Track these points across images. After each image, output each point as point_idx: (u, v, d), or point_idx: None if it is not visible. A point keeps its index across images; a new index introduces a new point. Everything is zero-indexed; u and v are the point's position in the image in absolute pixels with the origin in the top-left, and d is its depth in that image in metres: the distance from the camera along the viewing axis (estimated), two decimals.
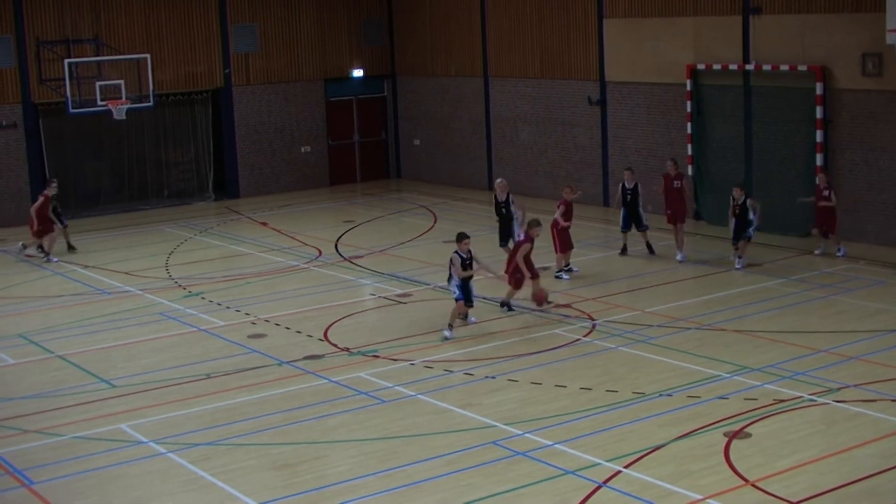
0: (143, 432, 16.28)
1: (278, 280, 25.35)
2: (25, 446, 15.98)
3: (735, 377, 17.58)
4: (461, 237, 20.58)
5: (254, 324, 21.84)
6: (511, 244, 23.96)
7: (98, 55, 33.34)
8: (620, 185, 25.97)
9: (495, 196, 25.16)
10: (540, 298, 21.39)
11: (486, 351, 19.52)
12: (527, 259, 21.30)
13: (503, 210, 24.87)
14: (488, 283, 22.69)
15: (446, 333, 20.22)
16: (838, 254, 25.01)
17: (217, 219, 33.60)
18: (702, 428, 15.56)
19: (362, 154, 39.54)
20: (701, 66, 29.26)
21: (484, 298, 22.66)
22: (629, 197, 25.61)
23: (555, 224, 24.12)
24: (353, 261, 26.89)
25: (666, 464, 14.42)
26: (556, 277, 24.03)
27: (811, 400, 16.52)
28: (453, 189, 36.38)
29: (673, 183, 25.65)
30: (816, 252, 25.22)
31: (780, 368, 17.91)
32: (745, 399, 16.58)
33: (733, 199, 24.29)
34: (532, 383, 17.73)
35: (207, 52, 36.04)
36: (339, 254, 27.72)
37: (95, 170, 35.22)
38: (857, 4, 26.02)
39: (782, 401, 16.47)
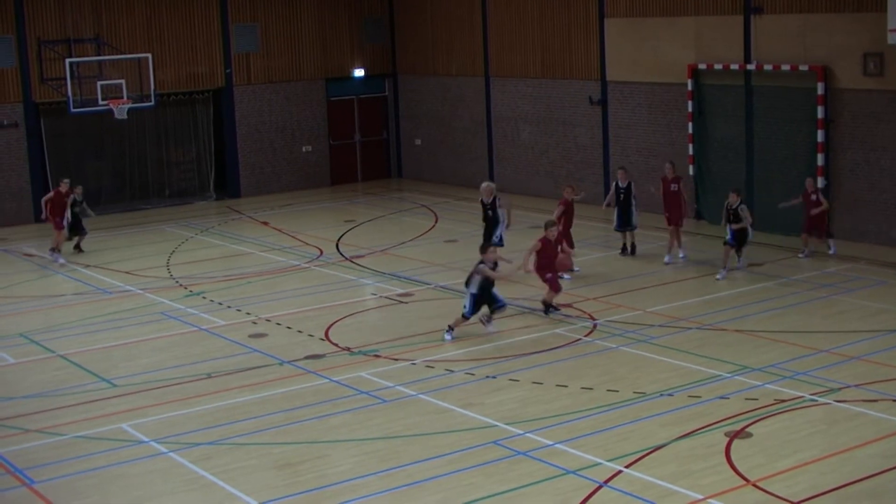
0: (144, 432, 16.28)
1: (279, 279, 25.36)
2: (26, 445, 15.98)
3: (736, 377, 17.58)
4: (485, 247, 20.62)
5: (255, 323, 21.84)
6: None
7: (99, 55, 33.35)
8: (614, 184, 25.97)
9: (482, 200, 24.75)
10: (564, 266, 21.69)
11: (487, 350, 19.52)
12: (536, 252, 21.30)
13: (489, 213, 24.56)
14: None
15: (447, 336, 20.17)
16: (829, 251, 25.09)
17: (218, 218, 33.60)
18: (703, 428, 15.56)
19: (363, 153, 39.54)
20: (702, 66, 29.26)
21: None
22: (622, 196, 25.59)
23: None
24: (355, 260, 26.89)
25: (667, 463, 14.42)
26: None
27: (812, 400, 16.52)
28: (454, 188, 36.38)
29: (671, 186, 25.54)
30: (801, 255, 25.07)
31: (781, 368, 17.90)
32: (747, 399, 16.58)
33: (728, 205, 23.92)
34: (533, 383, 17.73)
35: (208, 51, 36.04)
36: (341, 253, 27.72)
37: (97, 169, 35.22)
38: (859, 4, 26.01)
39: (783, 401, 16.47)
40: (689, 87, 29.46)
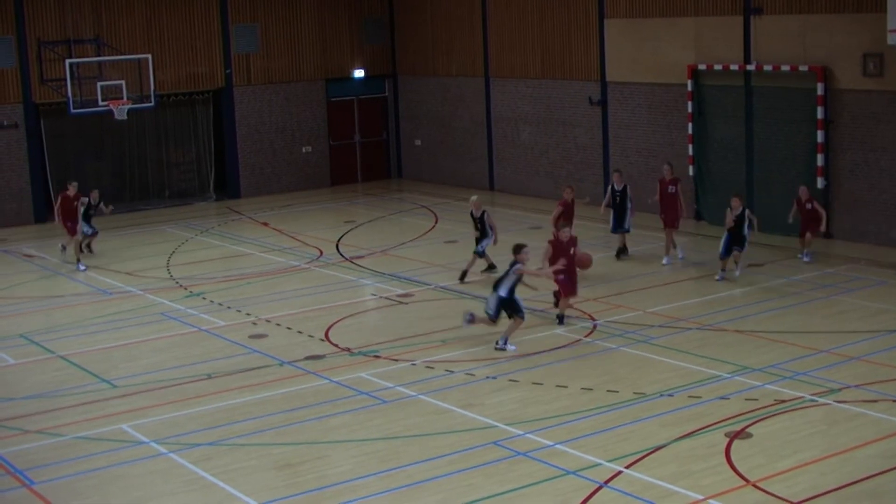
0: (145, 432, 16.28)
1: (279, 280, 25.36)
2: (26, 446, 15.98)
3: (736, 377, 17.58)
4: (519, 248, 19.76)
5: (255, 324, 21.84)
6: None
7: (99, 55, 33.35)
8: (609, 186, 25.88)
9: (471, 212, 24.54)
10: (584, 262, 21.39)
11: (487, 351, 19.51)
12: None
13: (478, 226, 24.42)
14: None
15: (510, 347, 19.47)
16: (805, 259, 24.77)
17: (218, 219, 33.60)
18: (703, 428, 15.56)
19: (363, 154, 39.55)
20: (702, 67, 29.26)
21: (485, 299, 22.71)
22: (618, 198, 25.52)
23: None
24: (355, 261, 26.89)
25: (667, 464, 14.42)
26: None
27: (812, 400, 16.52)
28: (454, 189, 36.37)
29: (668, 188, 25.43)
30: (804, 258, 24.84)
31: (781, 369, 17.91)
32: (747, 399, 16.59)
33: (730, 210, 23.53)
34: (533, 383, 17.73)
35: (208, 52, 36.05)
36: (341, 254, 27.72)
37: (97, 170, 35.21)
38: (858, 5, 26.02)
39: (783, 401, 16.47)
40: (689, 88, 29.46)
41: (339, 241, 29.28)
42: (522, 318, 19.61)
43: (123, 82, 31.79)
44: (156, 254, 28.40)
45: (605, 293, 22.95)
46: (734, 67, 28.51)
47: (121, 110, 31.34)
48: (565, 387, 17.51)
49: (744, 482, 13.79)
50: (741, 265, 23.90)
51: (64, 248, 28.04)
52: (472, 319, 19.88)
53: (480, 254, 24.23)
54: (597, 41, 32.26)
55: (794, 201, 25.00)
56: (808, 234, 24.71)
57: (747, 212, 23.67)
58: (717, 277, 23.57)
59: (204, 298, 23.89)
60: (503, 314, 19.65)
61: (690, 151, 29.65)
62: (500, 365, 18.70)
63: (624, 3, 31.38)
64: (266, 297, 23.89)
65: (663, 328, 20.44)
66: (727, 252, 23.58)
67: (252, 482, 14.44)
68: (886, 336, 19.55)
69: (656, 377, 17.80)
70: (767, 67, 27.75)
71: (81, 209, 27.57)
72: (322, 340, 20.54)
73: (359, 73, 38.76)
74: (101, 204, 28.69)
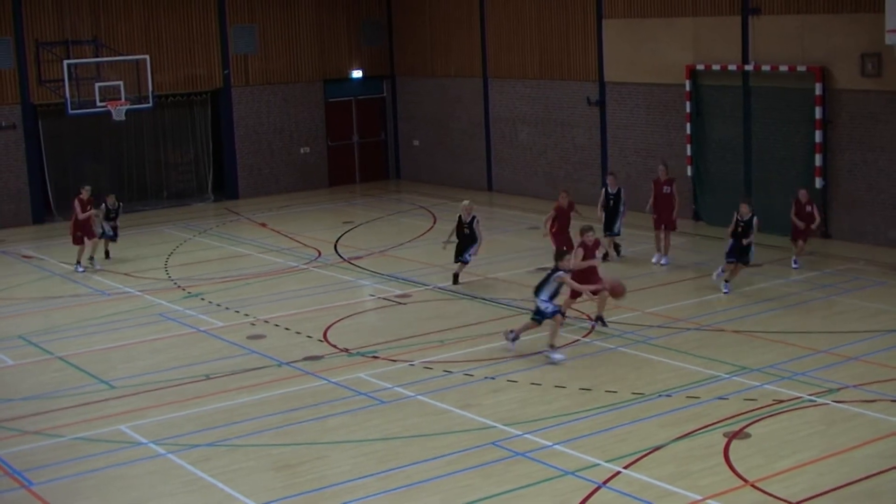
0: (143, 433, 16.28)
1: (278, 281, 25.35)
2: (25, 447, 15.98)
3: (734, 378, 17.58)
4: (562, 255, 19.42)
5: (253, 325, 21.84)
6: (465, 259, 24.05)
7: (97, 56, 33.35)
8: (603, 189, 25.59)
9: (460, 217, 24.14)
10: (616, 291, 19.96)
11: (485, 352, 19.51)
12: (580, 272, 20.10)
13: (466, 231, 23.98)
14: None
15: (556, 356, 18.87)
16: (794, 266, 24.33)
17: (216, 220, 33.60)
18: (701, 428, 15.56)
19: (361, 155, 39.55)
20: (700, 67, 29.27)
21: (483, 299, 22.73)
22: (612, 201, 25.34)
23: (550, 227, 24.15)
24: (353, 261, 26.89)
25: (665, 464, 14.42)
26: None
27: (811, 400, 16.53)
28: (452, 190, 36.36)
29: (663, 188, 25.26)
30: (793, 264, 24.40)
31: (779, 369, 17.91)
32: (745, 399, 16.59)
33: (737, 217, 22.52)
34: (531, 384, 17.73)
35: (206, 53, 36.05)
36: (339, 254, 27.72)
37: (95, 171, 35.17)
38: (856, 5, 26.03)
39: (782, 401, 16.47)
40: (688, 88, 29.47)
41: (337, 241, 29.28)
42: (558, 313, 19.09)
43: (121, 83, 31.78)
44: (154, 255, 28.39)
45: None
46: (732, 68, 28.52)
47: (119, 111, 31.31)
48: (564, 387, 17.52)
49: (742, 482, 13.79)
50: (733, 279, 22.80)
51: (92, 259, 27.02)
52: (516, 337, 19.30)
53: (466, 262, 23.97)
54: (595, 42, 32.27)
55: (792, 202, 24.73)
56: (799, 242, 24.25)
57: (755, 220, 22.46)
58: (723, 290, 22.51)
59: (202, 299, 23.88)
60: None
61: (689, 152, 29.66)
62: (499, 365, 18.70)
63: (622, 3, 31.39)
64: (264, 297, 23.88)
65: (662, 328, 20.44)
66: (737, 257, 22.49)
67: (251, 483, 14.44)
68: (885, 336, 19.55)
69: (655, 377, 17.80)
70: (765, 68, 27.77)
71: (100, 214, 27.31)
72: (320, 341, 20.54)
73: (357, 74, 38.77)
74: (120, 206, 28.08)
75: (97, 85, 31.51)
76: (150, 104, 32.63)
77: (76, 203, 26.80)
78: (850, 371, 17.72)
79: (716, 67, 28.85)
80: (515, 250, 27.42)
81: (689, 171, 29.64)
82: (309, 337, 20.81)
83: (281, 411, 16.97)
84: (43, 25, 33.32)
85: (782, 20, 27.57)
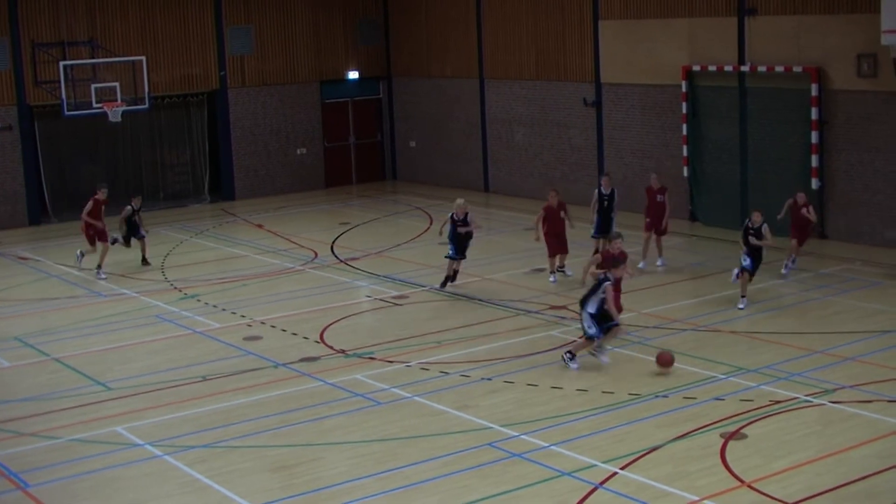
0: (140, 435, 16.27)
1: (274, 282, 25.34)
2: (21, 449, 15.97)
3: (731, 378, 17.59)
4: (617, 262, 18.84)
5: (250, 326, 21.82)
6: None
7: (93, 57, 33.31)
8: (597, 190, 25.23)
9: (452, 215, 23.70)
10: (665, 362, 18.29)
11: (481, 353, 19.51)
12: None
13: (458, 229, 23.56)
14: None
15: (604, 359, 18.51)
16: (783, 271, 23.76)
17: (213, 221, 33.58)
18: (698, 429, 15.56)
19: (358, 156, 39.54)
20: (696, 68, 29.28)
21: (480, 300, 22.74)
22: (606, 203, 25.24)
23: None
24: (349, 262, 26.88)
25: (662, 465, 14.43)
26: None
27: (807, 401, 16.54)
28: (449, 191, 36.32)
29: (657, 197, 25.04)
30: (784, 271, 23.83)
31: (776, 369, 17.92)
32: (742, 400, 16.60)
33: (749, 224, 21.89)
34: (528, 385, 17.73)
35: (203, 53, 36.03)
36: (335, 256, 27.71)
37: (91, 172, 35.10)
38: (852, 5, 26.05)
39: (778, 402, 16.48)
40: (684, 89, 29.47)
41: (333, 242, 29.27)
42: (617, 325, 18.47)
43: (118, 84, 31.72)
44: (150, 256, 28.33)
45: None
46: (728, 68, 28.52)
47: (115, 112, 31.26)
48: (560, 388, 17.52)
49: (739, 483, 13.79)
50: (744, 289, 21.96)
51: (82, 254, 26.60)
52: (572, 357, 18.55)
53: (456, 256, 23.75)
54: (591, 42, 32.27)
55: (788, 205, 24.14)
56: (794, 243, 23.71)
57: (765, 227, 21.85)
58: (739, 306, 21.58)
59: (199, 300, 23.87)
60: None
61: (685, 152, 29.66)
62: (495, 366, 18.69)
63: (618, 4, 31.39)
64: (261, 299, 23.87)
65: (658, 329, 20.44)
66: (755, 266, 21.85)
67: (247, 484, 14.43)
68: (881, 336, 19.57)
69: (651, 378, 17.81)
70: (762, 68, 27.77)
71: (124, 216, 26.83)
72: (317, 342, 20.53)
73: (353, 75, 38.75)
74: (140, 212, 27.33)
75: (93, 86, 31.44)
76: (147, 105, 32.57)
77: (91, 202, 26.34)
78: (847, 371, 17.74)
79: (712, 68, 28.86)
80: (511, 251, 27.42)
81: (685, 172, 29.65)
82: (305, 338, 20.80)
83: (277, 412, 16.97)
84: (39, 26, 33.29)
85: (778, 21, 27.59)
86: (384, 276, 25.31)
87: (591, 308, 18.36)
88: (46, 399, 18.06)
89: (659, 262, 25.19)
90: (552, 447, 15.15)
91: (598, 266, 19.17)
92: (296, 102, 37.71)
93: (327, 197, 37.05)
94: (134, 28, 34.73)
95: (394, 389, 17.75)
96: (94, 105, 31.27)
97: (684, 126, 29.62)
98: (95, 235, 26.38)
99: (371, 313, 22.75)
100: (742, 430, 15.46)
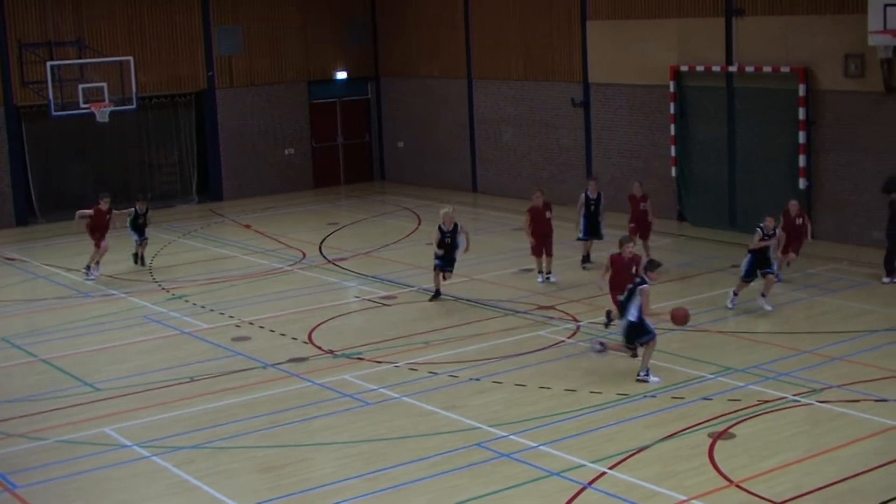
0: (128, 436, 16.24)
1: (262, 283, 25.32)
2: (9, 450, 15.92)
3: (719, 378, 17.61)
4: (654, 266, 18.07)
5: (238, 326, 21.80)
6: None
7: (81, 58, 33.23)
8: (583, 194, 25.13)
9: (440, 226, 23.06)
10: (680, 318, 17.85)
11: (470, 353, 19.51)
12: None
13: (447, 240, 22.93)
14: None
15: (654, 379, 17.65)
16: (776, 280, 22.71)
17: (201, 221, 33.53)
18: (686, 429, 15.58)
19: (346, 156, 39.52)
20: (684, 68, 29.31)
21: (468, 301, 22.75)
22: (592, 206, 25.20)
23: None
24: (338, 263, 26.86)
25: (651, 465, 14.44)
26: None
27: (795, 400, 16.57)
28: (437, 191, 36.36)
29: (640, 205, 24.87)
30: (777, 280, 22.68)
31: (764, 369, 17.95)
32: (730, 400, 16.62)
33: (762, 230, 21.23)
34: (517, 385, 17.73)
35: (191, 54, 35.98)
36: (324, 256, 27.69)
37: (78, 173, 35.11)
38: (840, 6, 26.10)
39: (766, 401, 16.51)
40: (672, 89, 29.50)
41: (322, 243, 29.25)
42: (653, 338, 17.71)
43: (105, 84, 31.65)
44: (147, 257, 28.28)
45: (587, 294, 22.92)
46: (716, 69, 28.57)
47: (102, 113, 31.20)
48: (549, 388, 17.53)
49: (727, 482, 13.81)
50: (769, 293, 21.59)
51: (88, 268, 26.15)
52: (602, 349, 18.30)
53: (449, 272, 23.23)
54: (579, 43, 32.30)
55: (781, 215, 22.90)
56: (790, 253, 23.05)
57: (779, 230, 21.75)
58: (728, 304, 21.49)
59: (187, 301, 23.84)
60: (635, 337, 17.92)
61: (673, 152, 29.70)
62: (484, 367, 18.70)
63: (606, 4, 31.42)
64: (249, 299, 23.84)
65: None
66: (751, 275, 21.39)
67: (236, 485, 14.42)
68: (868, 336, 19.61)
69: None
70: (749, 69, 27.81)
71: (128, 220, 26.89)
72: (305, 343, 20.51)
73: (341, 75, 38.74)
74: (148, 214, 27.24)
75: (81, 86, 31.37)
76: (134, 105, 32.52)
77: (94, 212, 26.08)
78: (835, 371, 17.77)
79: (700, 68, 28.90)
80: (500, 251, 27.43)
81: (673, 172, 29.69)
82: (294, 339, 20.79)
83: (266, 413, 16.95)
84: (26, 26, 33.21)
85: (766, 21, 27.64)
86: (372, 277, 25.30)
87: (632, 315, 17.64)
88: (34, 400, 18.01)
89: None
90: (541, 447, 15.16)
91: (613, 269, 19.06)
92: (284, 103, 37.67)
93: (315, 197, 37.02)
94: (121, 28, 34.67)
95: (382, 390, 17.74)
96: (82, 105, 31.21)
97: (672, 126, 29.66)
98: (100, 239, 25.95)
99: (359, 314, 22.74)
100: (730, 430, 15.48)
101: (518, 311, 21.90)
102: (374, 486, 14.17)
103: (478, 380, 18.06)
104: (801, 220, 23.24)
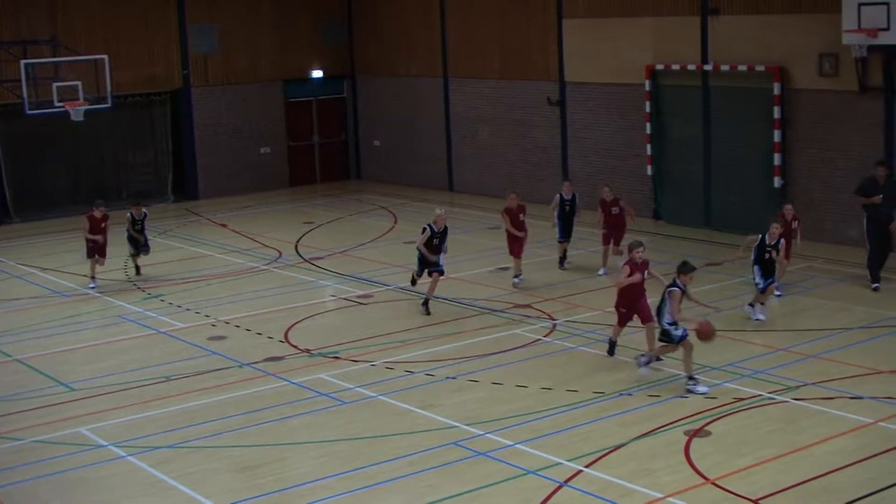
0: (104, 436, 16.18)
1: (238, 282, 25.27)
2: None
3: (695, 376, 17.63)
4: (687, 269, 17.57)
5: (214, 326, 21.75)
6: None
7: (55, 56, 33.04)
8: (558, 195, 25.03)
9: (431, 226, 22.20)
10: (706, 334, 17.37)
11: (446, 351, 19.52)
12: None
13: (435, 241, 22.32)
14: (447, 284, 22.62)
15: (701, 388, 17.08)
16: (777, 292, 22.55)
17: (176, 220, 33.44)
18: (662, 427, 15.62)
19: (322, 155, 39.47)
20: (660, 67, 29.37)
21: (445, 299, 22.75)
22: (567, 208, 25.20)
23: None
24: (314, 262, 26.83)
25: (627, 463, 14.47)
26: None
27: (770, 398, 16.63)
28: (413, 190, 36.36)
29: (611, 209, 24.63)
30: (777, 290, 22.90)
31: (739, 367, 18.01)
32: (705, 398, 16.67)
33: (765, 240, 20.80)
34: (493, 383, 17.75)
35: (166, 52, 35.87)
36: (300, 255, 27.66)
37: (53, 172, 34.95)
38: (814, 5, 26.21)
39: (742, 399, 16.57)
40: (647, 88, 29.57)
41: (298, 242, 29.21)
42: (685, 339, 17.27)
43: (80, 83, 31.43)
44: (113, 256, 28.09)
45: (564, 293, 22.98)
46: (692, 67, 28.65)
47: (77, 111, 31.01)
48: (525, 387, 17.54)
49: (703, 480, 13.85)
50: (767, 303, 21.34)
51: (93, 279, 25.39)
52: (647, 360, 17.84)
53: (441, 272, 23.27)
54: (555, 41, 32.33)
55: (779, 219, 22.06)
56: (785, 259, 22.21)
57: (782, 240, 20.94)
58: (754, 317, 20.75)
59: (162, 300, 23.77)
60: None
61: (649, 151, 29.77)
62: (460, 365, 18.70)
63: (582, 3, 31.46)
64: (225, 298, 23.79)
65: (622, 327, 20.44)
66: (768, 279, 20.86)
67: (212, 485, 14.38)
68: (843, 334, 19.70)
69: (615, 376, 17.86)
70: (725, 67, 27.90)
71: (127, 226, 26.28)
72: (281, 342, 20.48)
73: (317, 74, 38.69)
74: (146, 216, 26.50)
75: (55, 85, 31.10)
76: (109, 104, 32.28)
77: (87, 220, 25.24)
78: (810, 369, 17.85)
79: (675, 67, 28.98)
80: (477, 250, 27.45)
81: (649, 171, 29.76)
82: (270, 338, 20.75)
83: (242, 412, 16.92)
84: None
85: (741, 20, 27.72)
86: (349, 276, 25.28)
87: (667, 319, 17.36)
88: (9, 400, 17.93)
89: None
90: (517, 445, 15.18)
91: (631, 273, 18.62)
92: (259, 101, 37.60)
93: (291, 196, 36.97)
94: (96, 26, 34.53)
95: (359, 389, 17.73)
96: (56, 104, 30.94)
97: (648, 125, 29.72)
98: (95, 250, 25.17)
99: (336, 313, 22.72)
100: (706, 428, 15.53)
101: (495, 310, 21.91)
102: (350, 484, 14.16)
103: (454, 378, 18.07)
104: (795, 223, 22.61)
